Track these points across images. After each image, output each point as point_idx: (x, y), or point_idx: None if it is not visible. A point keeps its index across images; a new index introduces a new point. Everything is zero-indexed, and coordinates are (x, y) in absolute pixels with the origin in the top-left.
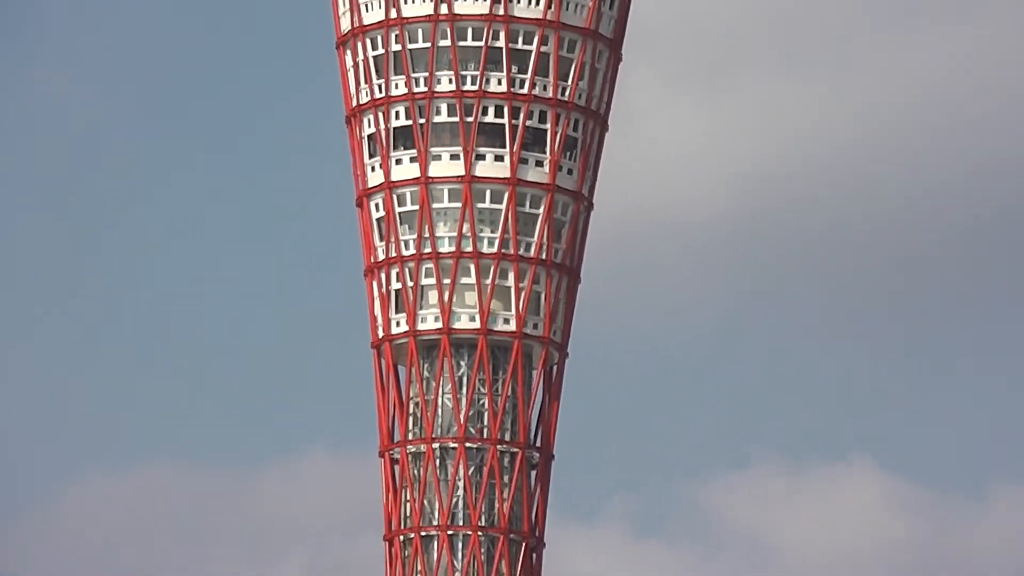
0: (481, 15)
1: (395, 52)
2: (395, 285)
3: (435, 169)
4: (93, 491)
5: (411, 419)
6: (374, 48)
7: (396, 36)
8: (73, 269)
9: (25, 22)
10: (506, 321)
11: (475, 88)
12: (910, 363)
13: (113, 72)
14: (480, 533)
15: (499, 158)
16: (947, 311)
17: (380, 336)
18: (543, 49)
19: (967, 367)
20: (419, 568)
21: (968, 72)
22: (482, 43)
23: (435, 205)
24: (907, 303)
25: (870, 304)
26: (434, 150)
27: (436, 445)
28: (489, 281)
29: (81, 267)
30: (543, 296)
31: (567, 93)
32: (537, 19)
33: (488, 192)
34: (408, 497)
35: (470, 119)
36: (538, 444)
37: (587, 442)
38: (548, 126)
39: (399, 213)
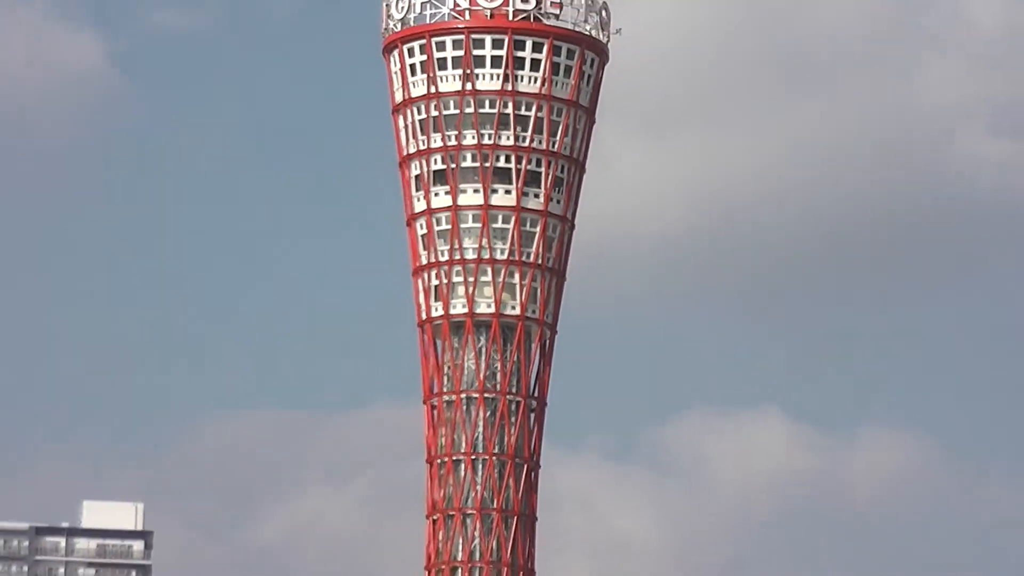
0: (495, 90)
1: (434, 116)
2: (434, 282)
3: (462, 199)
4: (224, 428)
5: (445, 378)
6: (419, 113)
7: (435, 105)
8: (206, 259)
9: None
10: (513, 308)
11: (491, 142)
12: (804, 340)
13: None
14: (494, 458)
15: (508, 192)
16: (830, 300)
17: (423, 318)
18: (539, 115)
19: (842, 344)
20: (451, 483)
21: (844, 123)
22: (496, 110)
23: (462, 225)
24: (802, 296)
25: (777, 297)
26: (461, 186)
27: (463, 395)
28: (501, 279)
29: (218, 259)
30: (539, 290)
31: (556, 146)
32: (535, 93)
33: (500, 216)
34: (443, 433)
35: (487, 164)
36: (536, 395)
37: (572, 394)
38: (542, 169)
39: (436, 231)
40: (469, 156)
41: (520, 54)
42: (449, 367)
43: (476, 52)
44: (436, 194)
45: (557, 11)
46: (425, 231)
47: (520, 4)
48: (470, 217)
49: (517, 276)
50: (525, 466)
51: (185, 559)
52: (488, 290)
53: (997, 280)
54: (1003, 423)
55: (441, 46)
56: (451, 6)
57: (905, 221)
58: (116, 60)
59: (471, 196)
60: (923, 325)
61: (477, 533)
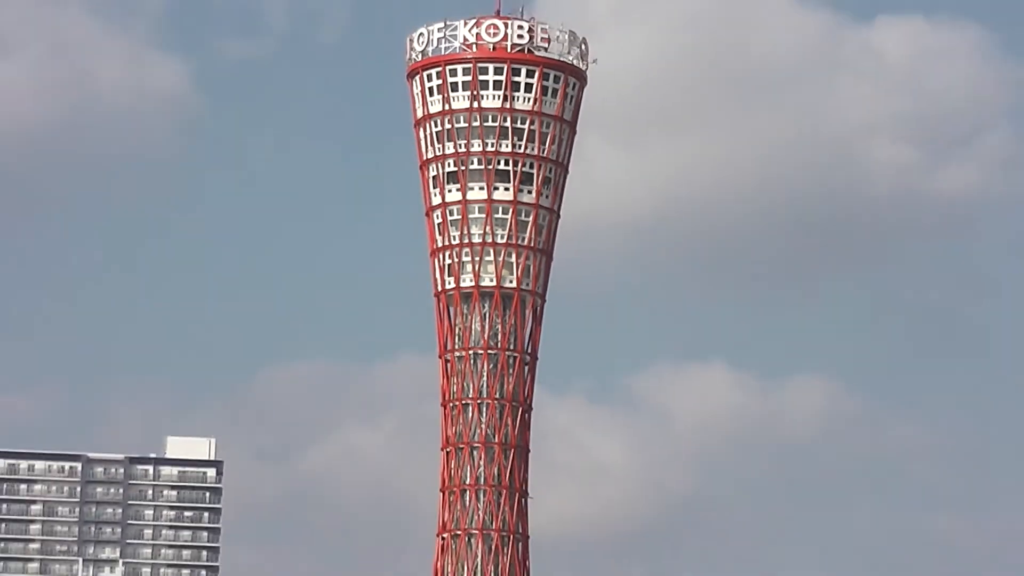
0: (496, 108)
1: (448, 129)
2: (447, 261)
3: (470, 195)
4: (281, 376)
5: (456, 337)
6: (435, 126)
7: (448, 119)
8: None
9: None
10: (510, 281)
11: (493, 149)
12: (746, 307)
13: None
14: (495, 402)
15: (507, 189)
16: (766, 274)
17: (439, 290)
18: (531, 127)
19: (776, 309)
20: (461, 422)
21: (779, 132)
22: (497, 124)
23: (470, 216)
24: (744, 271)
25: (724, 271)
26: (470, 184)
27: (470, 351)
28: (501, 259)
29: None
30: (531, 267)
31: (545, 152)
32: (528, 110)
33: (500, 208)
34: (455, 381)
35: (490, 167)
36: (529, 350)
37: (558, 349)
38: (534, 171)
39: (450, 220)
40: (476, 160)
41: (516, 79)
42: (460, 328)
43: (481, 77)
44: (449, 191)
45: (546, 45)
46: (440, 220)
47: (516, 39)
48: (476, 209)
49: (514, 256)
50: (520, 408)
51: (249, 483)
52: (491, 267)
53: (896, 260)
54: (900, 373)
55: (453, 72)
56: (461, 41)
57: (825, 211)
58: (196, 81)
59: (477, 192)
60: (840, 295)
61: (482, 462)
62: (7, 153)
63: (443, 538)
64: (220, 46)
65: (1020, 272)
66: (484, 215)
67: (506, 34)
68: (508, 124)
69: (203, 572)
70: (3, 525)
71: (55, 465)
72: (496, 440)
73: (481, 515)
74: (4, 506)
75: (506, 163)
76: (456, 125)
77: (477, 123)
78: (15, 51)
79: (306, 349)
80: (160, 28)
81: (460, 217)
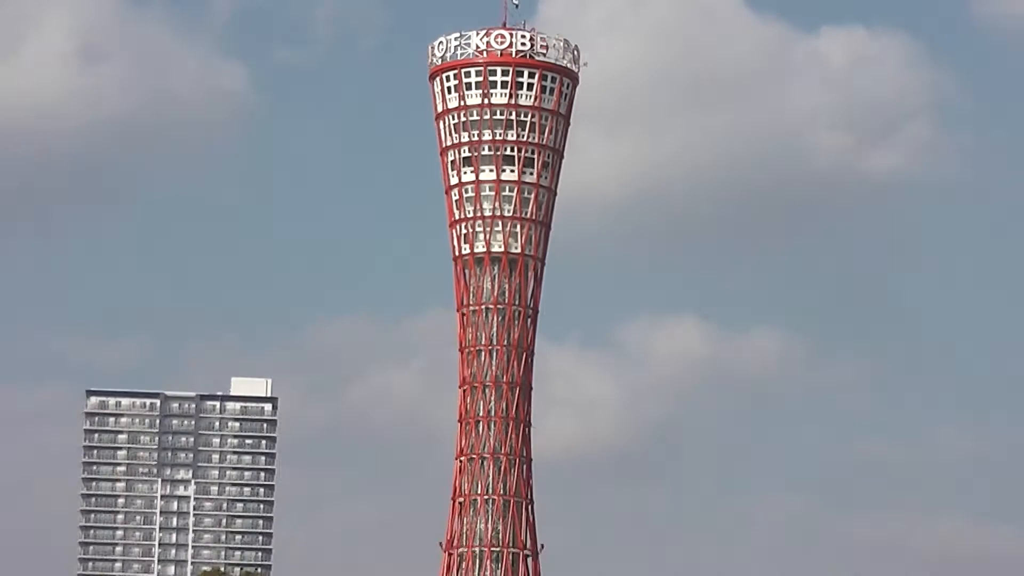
0: (503, 104)
1: (463, 121)
2: (464, 231)
3: (482, 176)
4: (328, 326)
5: (471, 294)
6: (453, 119)
7: (463, 113)
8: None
9: None
10: (515, 248)
11: (500, 138)
12: (712, 268)
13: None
14: (503, 348)
15: (512, 171)
16: (728, 242)
17: (456, 255)
18: (532, 120)
19: (737, 271)
20: (475, 365)
21: (737, 125)
22: (504, 117)
23: (482, 193)
24: (709, 239)
25: (693, 240)
26: (482, 167)
27: (483, 306)
28: (508, 229)
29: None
30: (533, 236)
31: (544, 141)
32: (530, 106)
33: (507, 187)
34: (470, 332)
35: (499, 153)
36: (532, 305)
37: (556, 304)
38: (535, 156)
39: (465, 197)
40: (486, 148)
41: (520, 80)
42: (474, 287)
43: (491, 78)
44: (465, 173)
45: (544, 51)
46: (458, 197)
47: (520, 47)
48: (487, 188)
49: (519, 227)
50: (524, 353)
51: (299, 416)
52: (499, 236)
53: (834, 228)
54: (836, 321)
55: (467, 74)
56: (474, 48)
57: (776, 189)
58: (254, 82)
59: (488, 174)
60: (788, 259)
61: (492, 398)
62: (102, 142)
63: (460, 461)
64: (274, 53)
65: (934, 238)
66: (493, 193)
67: (511, 42)
68: (513, 117)
69: (261, 490)
70: (95, 452)
71: (138, 401)
72: (504, 379)
73: (492, 442)
74: (96, 436)
75: (511, 150)
76: (470, 118)
77: (487, 116)
78: (107, 58)
79: (349, 305)
80: (224, 38)
81: (474, 195)
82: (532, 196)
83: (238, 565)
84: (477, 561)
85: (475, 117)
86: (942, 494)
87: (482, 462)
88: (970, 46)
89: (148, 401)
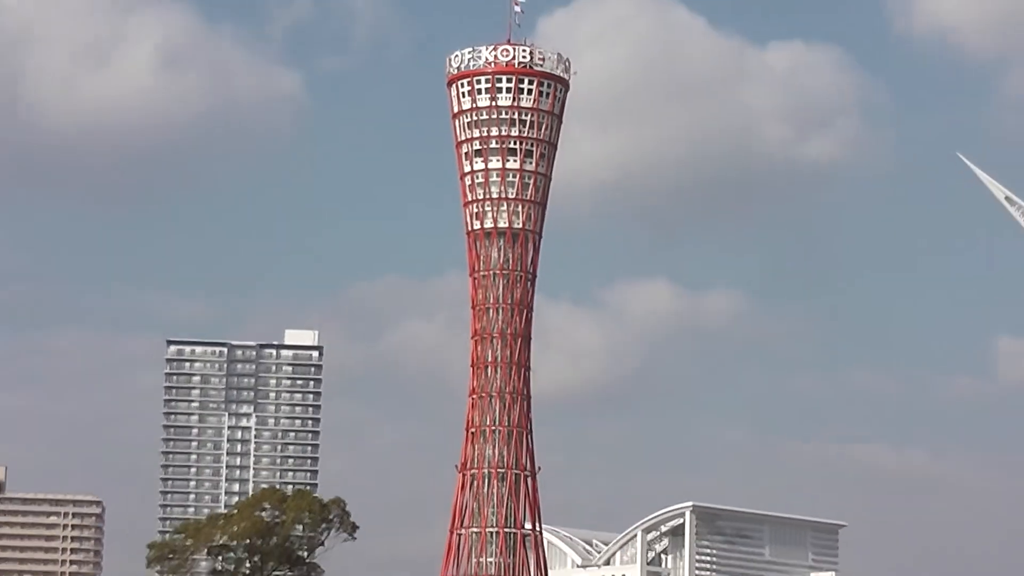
0: (508, 105)
1: (475, 119)
2: (475, 209)
3: (490, 165)
4: (365, 286)
5: (481, 262)
6: (466, 118)
7: (475, 113)
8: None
9: None
10: (518, 224)
11: (505, 133)
12: (679, 240)
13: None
14: (507, 306)
15: (515, 161)
16: (692, 219)
17: (469, 229)
18: (532, 119)
19: (698, 242)
20: (485, 320)
21: (701, 121)
22: (508, 116)
23: (490, 179)
24: (677, 217)
25: (663, 217)
26: (490, 157)
27: (491, 272)
28: (511, 208)
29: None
30: (532, 214)
31: (541, 135)
32: (529, 107)
33: (510, 174)
34: (480, 293)
35: (503, 145)
36: (531, 271)
37: (552, 270)
38: (534, 149)
39: (476, 183)
40: (494, 141)
41: (521, 86)
42: (483, 256)
43: (497, 85)
44: (476, 162)
45: (542, 62)
46: (470, 182)
47: (521, 59)
48: (494, 175)
49: (520, 207)
50: (525, 310)
51: (342, 361)
52: (504, 214)
53: (780, 208)
54: (781, 285)
55: (478, 82)
56: (484, 60)
57: (734, 173)
58: (307, 87)
59: (495, 163)
60: (743, 233)
61: (499, 347)
62: (183, 136)
63: (473, 398)
64: (322, 62)
65: (859, 214)
66: (499, 179)
67: (514, 56)
68: (516, 117)
69: (309, 422)
70: (173, 391)
71: (208, 349)
72: (508, 331)
73: (498, 383)
74: (175, 378)
75: (514, 143)
76: (480, 117)
77: (495, 116)
78: (186, 66)
79: (383, 269)
80: (281, 50)
81: (483, 180)
82: (531, 181)
83: (291, 484)
84: (486, 480)
85: (484, 117)
86: (861, 423)
87: (490, 399)
88: (891, 55)
89: (217, 349)
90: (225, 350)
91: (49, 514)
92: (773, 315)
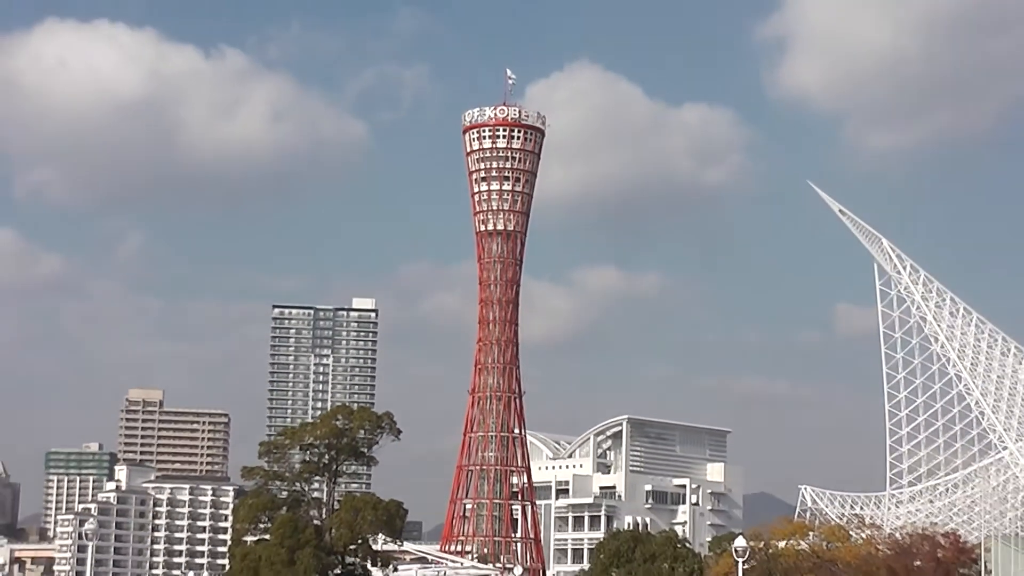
0: (504, 147)
1: (481, 156)
2: (481, 217)
3: (492, 187)
4: (407, 268)
5: (485, 253)
6: (476, 155)
7: (481, 152)
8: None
9: None
10: (511, 227)
11: (502, 167)
12: (623, 241)
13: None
14: (504, 282)
15: (508, 184)
16: (638, 224)
17: (477, 231)
18: (520, 156)
19: (639, 242)
20: (487, 292)
21: (650, 153)
22: (504, 154)
23: (492, 197)
24: (624, 224)
25: (614, 223)
26: (491, 182)
27: (492, 260)
28: (505, 216)
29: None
30: (520, 221)
31: (527, 167)
32: (518, 148)
33: (504, 193)
34: (485, 274)
35: (500, 174)
36: (519, 260)
37: (534, 258)
38: (521, 176)
39: (482, 199)
40: (494, 171)
41: (513, 134)
42: (487, 249)
43: (497, 133)
44: (482, 185)
45: (527, 117)
46: (478, 199)
47: (512, 116)
48: (494, 194)
49: (512, 215)
50: (516, 285)
51: (392, 320)
52: (500, 220)
53: (687, 217)
54: (691, 272)
55: (484, 131)
56: (488, 116)
57: (656, 195)
58: (369, 132)
59: (495, 186)
60: (663, 235)
61: (497, 310)
62: (284, 167)
63: (479, 344)
64: (379, 114)
65: (746, 222)
66: (498, 196)
67: (508, 114)
68: (509, 154)
69: (369, 363)
70: (276, 340)
71: (301, 311)
72: (504, 299)
73: (497, 333)
74: (277, 331)
75: (508, 173)
76: (485, 155)
77: (495, 154)
78: (286, 117)
79: (420, 256)
80: (352, 106)
81: (487, 197)
82: (520, 198)
83: (356, 402)
84: (488, 400)
85: (488, 154)
86: (743, 363)
87: (491, 345)
88: (764, 111)
89: (306, 311)
90: (312, 312)
91: (193, 422)
92: (685, 290)
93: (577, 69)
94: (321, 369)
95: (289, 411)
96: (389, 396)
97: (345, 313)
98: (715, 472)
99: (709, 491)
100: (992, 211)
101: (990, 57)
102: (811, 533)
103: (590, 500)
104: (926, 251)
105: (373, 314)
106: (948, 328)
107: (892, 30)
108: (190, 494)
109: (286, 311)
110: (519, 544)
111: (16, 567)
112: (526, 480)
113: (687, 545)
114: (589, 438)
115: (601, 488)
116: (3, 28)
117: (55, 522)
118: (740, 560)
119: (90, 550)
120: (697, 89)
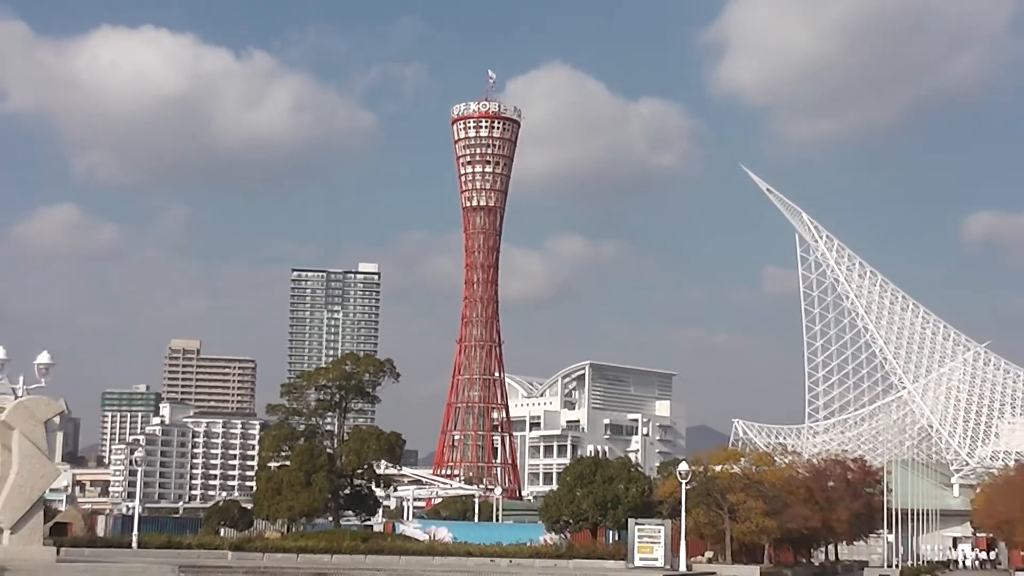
0: (485, 136)
1: (467, 143)
2: (467, 195)
3: (475, 169)
4: (408, 236)
5: (471, 224)
6: (462, 143)
7: (467, 139)
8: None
9: None
10: (492, 203)
11: (484, 151)
12: (587, 218)
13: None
14: (486, 250)
15: (489, 166)
16: (600, 209)
17: (463, 206)
18: (499, 142)
19: (602, 221)
20: (472, 256)
21: (619, 142)
22: (486, 140)
23: (475, 178)
24: (590, 204)
25: (583, 203)
26: (475, 164)
27: (476, 231)
28: (487, 193)
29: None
30: (499, 197)
31: (505, 152)
32: (499, 136)
33: (487, 174)
34: (471, 241)
35: (482, 158)
36: (499, 231)
37: (512, 231)
38: (500, 159)
39: (467, 179)
40: (477, 156)
41: (493, 124)
42: (472, 221)
43: (480, 123)
44: (467, 167)
45: (506, 112)
46: (464, 179)
47: (493, 109)
48: (477, 175)
49: (492, 193)
50: (496, 251)
51: (393, 282)
52: (483, 197)
53: (641, 197)
54: (638, 244)
55: (469, 122)
56: (472, 109)
57: (615, 177)
58: (377, 122)
59: (478, 167)
60: (618, 212)
61: (481, 272)
62: (300, 153)
63: (466, 301)
64: (386, 106)
65: (689, 199)
66: (480, 177)
67: (489, 108)
68: (490, 142)
69: (373, 319)
70: (295, 298)
71: (315, 274)
72: (487, 263)
73: (480, 292)
74: (295, 291)
75: (489, 156)
76: (470, 142)
77: (478, 141)
78: (304, 109)
79: (417, 227)
80: (361, 99)
81: (471, 178)
82: (499, 179)
83: (362, 351)
84: (473, 348)
85: (472, 142)
86: (685, 317)
87: (475, 302)
88: (706, 104)
89: (320, 274)
90: (325, 274)
91: (225, 367)
92: (640, 256)
93: (551, 68)
94: (333, 323)
95: (306, 358)
96: (390, 345)
97: (353, 275)
98: (663, 408)
99: (658, 424)
100: (898, 192)
101: (899, 58)
102: (742, 459)
103: (558, 432)
104: (840, 223)
105: (377, 276)
106: (857, 288)
107: (813, 35)
108: (223, 427)
109: (303, 274)
110: (499, 469)
111: (77, 488)
112: (505, 415)
113: (639, 469)
114: (557, 380)
115: (567, 422)
116: (64, 34)
117: (110, 451)
118: (683, 481)
119: (139, 474)
120: (651, 86)
